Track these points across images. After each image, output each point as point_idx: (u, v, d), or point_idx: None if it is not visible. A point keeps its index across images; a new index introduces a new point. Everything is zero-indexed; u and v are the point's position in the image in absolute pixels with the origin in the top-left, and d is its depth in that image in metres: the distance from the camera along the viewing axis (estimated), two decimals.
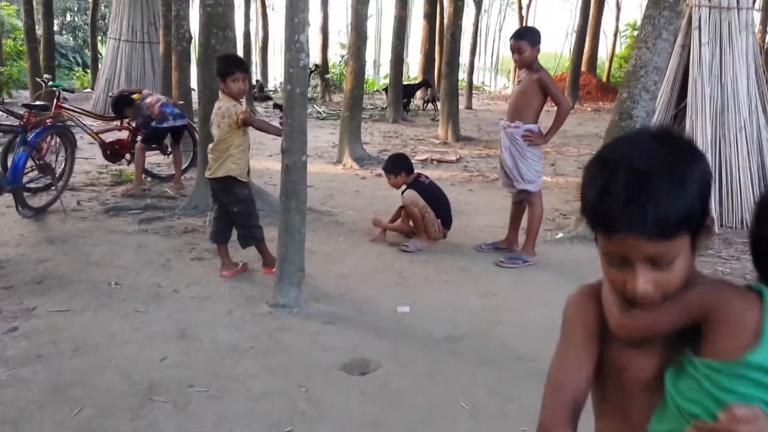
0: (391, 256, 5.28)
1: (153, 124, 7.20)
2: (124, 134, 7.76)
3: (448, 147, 11.09)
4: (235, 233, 4.73)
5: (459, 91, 12.82)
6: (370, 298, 4.35)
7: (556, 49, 46.92)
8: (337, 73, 21.65)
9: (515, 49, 4.93)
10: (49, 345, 3.57)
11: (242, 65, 4.46)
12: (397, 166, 5.62)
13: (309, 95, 19.84)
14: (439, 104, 17.52)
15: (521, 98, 4.97)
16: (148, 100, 7.30)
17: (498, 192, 7.70)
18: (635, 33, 26.99)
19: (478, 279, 4.79)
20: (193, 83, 8.90)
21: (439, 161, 9.56)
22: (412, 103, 16.87)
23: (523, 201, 5.28)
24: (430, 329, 3.90)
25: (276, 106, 14.93)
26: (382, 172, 5.75)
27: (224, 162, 4.46)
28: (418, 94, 17.90)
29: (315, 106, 16.76)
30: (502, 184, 5.36)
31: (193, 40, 9.01)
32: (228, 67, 4.38)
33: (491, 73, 43.41)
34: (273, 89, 22.04)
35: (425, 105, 17.50)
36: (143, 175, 7.75)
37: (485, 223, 6.33)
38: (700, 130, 6.14)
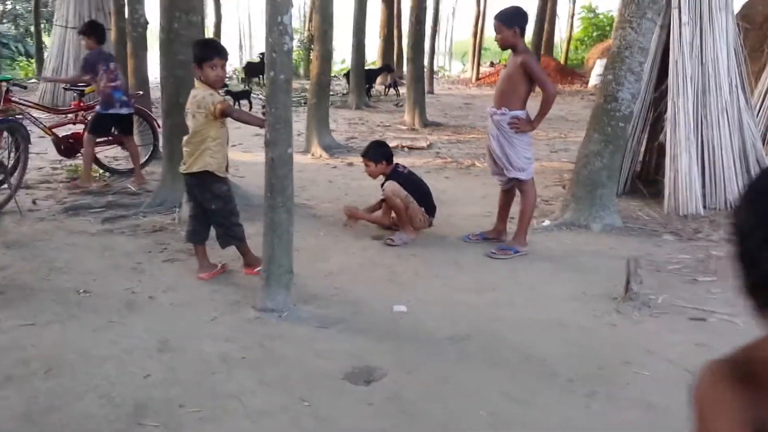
0: (376, 250, 5.03)
1: (97, 108, 6.73)
2: (79, 127, 7.28)
3: (417, 133, 10.87)
4: (212, 232, 4.42)
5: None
6: (362, 298, 4.10)
7: None
8: (295, 58, 21.18)
9: (495, 30, 4.77)
10: (17, 365, 3.21)
11: (221, 51, 4.13)
12: (379, 153, 5.37)
13: (265, 82, 19.43)
14: (401, 89, 17.33)
15: (507, 83, 4.76)
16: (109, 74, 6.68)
17: (475, 179, 7.53)
18: (590, 15, 27.26)
19: (471, 272, 4.58)
20: (152, 71, 8.50)
21: (410, 148, 9.33)
22: (373, 89, 16.58)
23: (512, 189, 5.09)
24: (431, 329, 3.67)
25: (229, 93, 14.29)
26: (362, 158, 5.46)
27: (200, 156, 4.14)
28: (379, 79, 17.61)
29: None
30: (491, 173, 5.16)
31: (148, 26, 8.56)
32: (205, 51, 4.05)
33: (446, 57, 43.28)
34: (228, 76, 21.44)
35: (387, 90, 17.24)
36: (102, 171, 7.33)
37: (469, 212, 6.13)
38: (682, 111, 6.04)
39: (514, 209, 5.14)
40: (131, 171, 7.41)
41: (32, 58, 22.26)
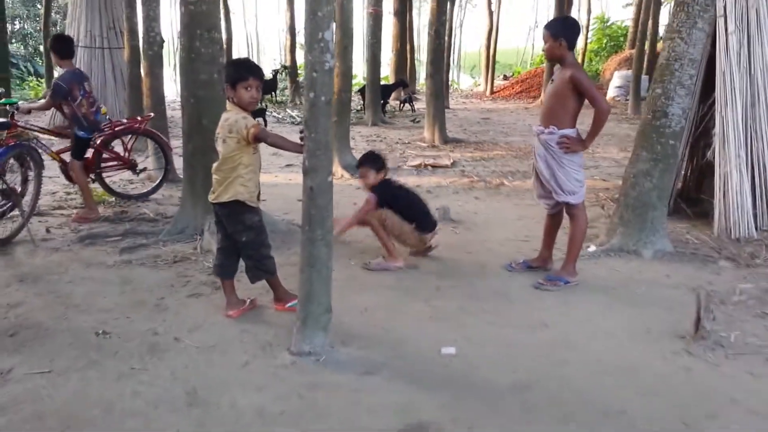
0: (413, 280, 4.68)
1: (78, 132, 6.30)
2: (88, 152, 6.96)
3: (438, 150, 10.54)
4: (241, 264, 4.09)
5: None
6: (405, 338, 3.74)
7: (518, 45, 47.04)
8: None
9: (543, 39, 4.47)
10: (33, 421, 2.89)
11: (256, 70, 3.82)
12: (380, 161, 5.14)
13: (279, 98, 19.19)
14: (415, 104, 17.05)
15: (554, 100, 4.42)
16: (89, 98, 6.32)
17: (507, 199, 7.18)
18: (602, 26, 26.95)
19: (520, 306, 4.23)
20: (167, 90, 8.23)
21: (434, 166, 9.00)
22: (388, 105, 16.30)
23: (559, 214, 4.74)
24: (487, 376, 3.31)
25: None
26: (359, 168, 5.23)
27: (231, 184, 3.82)
28: (393, 95, 17.33)
29: (287, 110, 16.07)
30: (536, 196, 4.81)
31: (165, 44, 8.30)
32: (240, 72, 3.73)
33: (455, 70, 43.06)
34: None
35: (401, 106, 16.95)
36: (113, 197, 7.02)
37: (505, 236, 5.78)
38: (731, 126, 5.68)
39: (561, 235, 4.79)
40: (146, 195, 7.11)
41: (42, 78, 22.10)
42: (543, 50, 4.56)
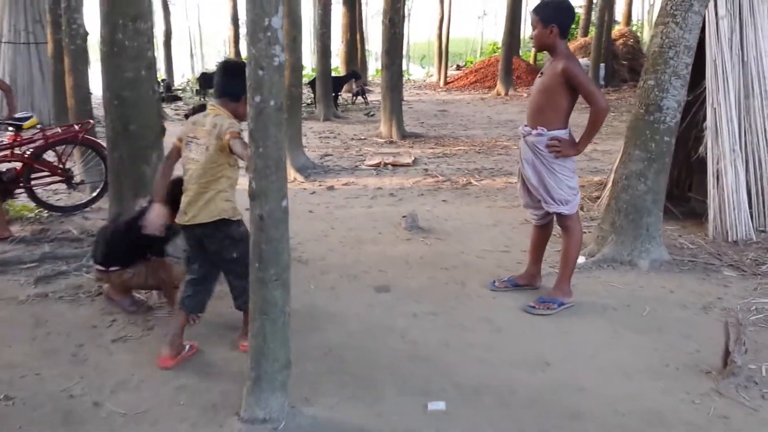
0: (384, 308, 4.02)
1: None
2: (17, 164, 6.06)
3: (397, 146, 9.88)
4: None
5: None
6: (381, 388, 3.08)
7: (467, 34, 46.61)
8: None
9: (532, 25, 3.85)
10: None
11: None
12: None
13: None
14: (368, 96, 16.34)
15: (543, 96, 3.81)
16: None
17: (477, 202, 6.57)
18: None
19: (512, 336, 3.61)
20: (95, 88, 7.33)
21: (394, 165, 8.33)
22: (340, 98, 15.54)
23: (548, 225, 4.15)
24: None
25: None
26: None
27: (212, 201, 3.20)
28: (345, 87, 16.57)
29: None
30: (522, 205, 4.20)
31: (88, 37, 7.37)
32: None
33: (406, 61, 42.40)
34: (181, 88, 20.14)
35: (354, 98, 16.22)
36: (37, 209, 6.15)
37: (481, 246, 5.16)
38: (725, 118, 5.18)
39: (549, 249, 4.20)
40: (77, 208, 6.25)
41: None
42: (530, 37, 3.95)
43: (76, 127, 6.27)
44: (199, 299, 3.45)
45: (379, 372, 3.23)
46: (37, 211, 6.15)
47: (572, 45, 21.53)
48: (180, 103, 15.82)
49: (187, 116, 3.61)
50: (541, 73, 3.87)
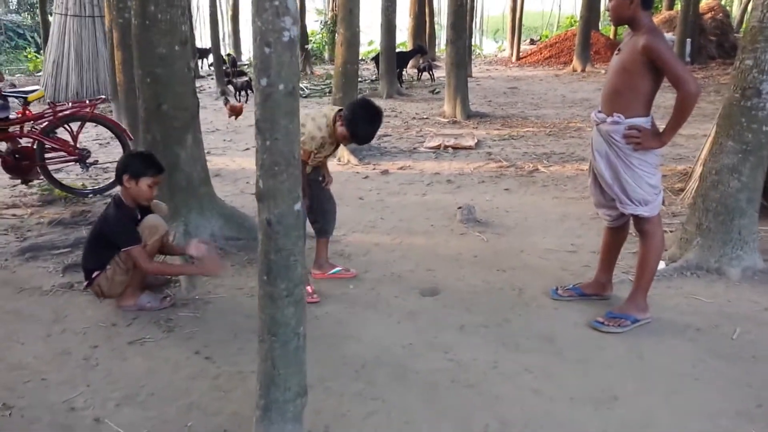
0: (429, 317, 3.56)
1: None
2: (27, 141, 5.86)
3: (460, 127, 9.31)
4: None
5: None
6: (414, 418, 2.64)
7: (543, 8, 44.85)
8: (318, 42, 19.65)
9: None
10: None
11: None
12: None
13: None
14: (435, 73, 15.74)
15: (621, 78, 3.22)
16: None
17: (544, 191, 5.99)
18: None
19: (575, 361, 3.09)
20: None
21: (455, 148, 7.80)
22: (405, 74, 15.01)
23: (624, 227, 3.58)
24: None
25: (230, 83, 12.91)
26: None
27: None
28: (411, 62, 16.01)
29: None
30: (594, 204, 3.64)
31: None
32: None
33: (478, 35, 41.20)
34: (248, 62, 20.01)
35: (420, 75, 15.64)
36: (66, 193, 5.93)
37: (545, 245, 4.61)
38: None
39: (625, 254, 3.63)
40: (102, 190, 6.02)
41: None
42: (607, 9, 3.35)
43: (88, 102, 6.04)
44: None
45: (415, 399, 2.79)
46: (80, 190, 5.97)
47: (656, 19, 20.19)
48: (245, 78, 15.61)
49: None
50: (619, 50, 3.28)
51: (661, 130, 3.20)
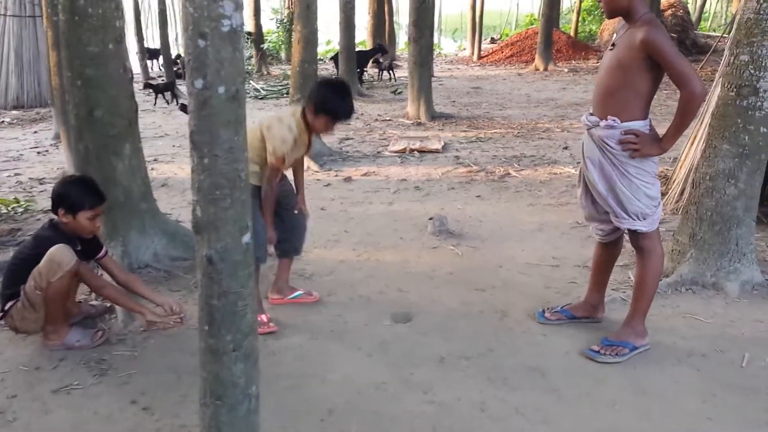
0: (403, 348, 3.15)
1: None
2: None
3: (425, 129, 8.93)
4: None
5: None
6: None
7: (501, 7, 44.87)
8: (274, 41, 19.08)
9: None
10: None
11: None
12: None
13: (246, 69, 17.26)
14: (396, 72, 15.35)
15: (616, 76, 2.85)
16: None
17: (518, 197, 5.64)
18: None
19: (571, 398, 2.71)
20: None
21: (421, 152, 7.41)
22: (366, 74, 14.60)
23: (617, 242, 3.22)
24: None
25: (149, 86, 12.32)
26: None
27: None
28: (371, 62, 15.57)
29: (251, 82, 14.32)
30: (585, 218, 3.27)
31: None
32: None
33: (437, 34, 40.98)
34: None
35: (380, 74, 15.24)
36: (11, 203, 5.40)
37: (525, 258, 4.25)
38: None
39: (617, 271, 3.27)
40: None
41: None
42: (599, 0, 2.99)
43: None
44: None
45: None
46: (12, 206, 5.39)
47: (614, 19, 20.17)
48: None
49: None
50: (613, 45, 2.92)
51: (660, 135, 2.85)
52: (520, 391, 2.75)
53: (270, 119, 3.20)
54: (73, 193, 3.05)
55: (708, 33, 22.00)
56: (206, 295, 1.80)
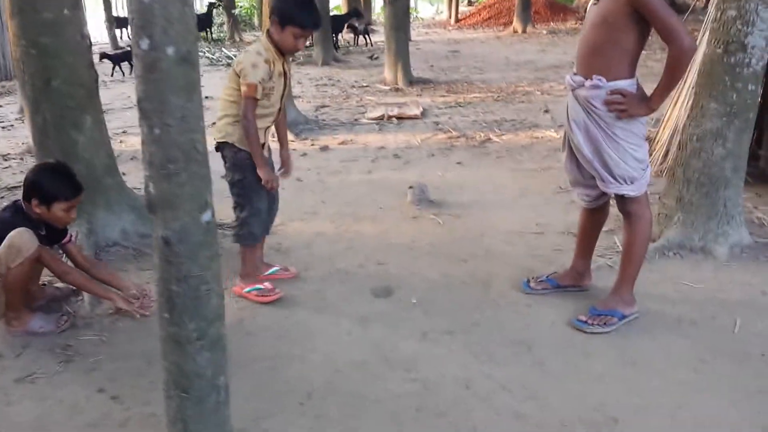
0: (383, 324, 3.02)
1: None
2: None
3: (403, 95, 8.74)
4: None
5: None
6: None
7: None
8: (246, 6, 18.60)
9: None
10: None
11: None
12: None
13: (215, 36, 16.91)
14: (372, 37, 15.06)
15: (600, 32, 2.69)
16: None
17: (498, 163, 5.51)
18: None
19: (559, 372, 2.60)
20: None
21: (400, 118, 7.23)
22: (341, 39, 14.29)
23: (603, 208, 3.10)
24: None
25: (106, 56, 11.42)
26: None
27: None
28: (346, 27, 15.24)
29: (224, 49, 13.96)
30: (570, 183, 3.14)
31: None
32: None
33: None
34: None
35: (356, 39, 14.92)
36: None
37: (508, 225, 4.13)
38: None
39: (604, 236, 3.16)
40: None
41: None
42: None
43: None
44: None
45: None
46: None
47: None
48: None
49: None
50: (595, 1, 2.76)
51: (648, 94, 2.71)
52: (506, 367, 2.65)
53: (239, 56, 3.03)
54: (47, 183, 2.85)
55: None
56: (164, 280, 1.65)
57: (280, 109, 3.19)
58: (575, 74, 2.82)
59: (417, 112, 7.34)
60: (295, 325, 3.00)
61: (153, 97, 1.48)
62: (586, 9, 11.66)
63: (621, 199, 2.86)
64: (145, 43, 1.44)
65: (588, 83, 2.73)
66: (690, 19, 11.21)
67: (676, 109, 4.88)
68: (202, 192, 1.59)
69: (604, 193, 2.95)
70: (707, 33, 4.29)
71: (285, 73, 3.09)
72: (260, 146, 3.05)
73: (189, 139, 1.53)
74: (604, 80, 2.70)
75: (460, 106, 7.91)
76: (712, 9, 4.47)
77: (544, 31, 15.86)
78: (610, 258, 3.55)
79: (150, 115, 1.50)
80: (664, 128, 5.05)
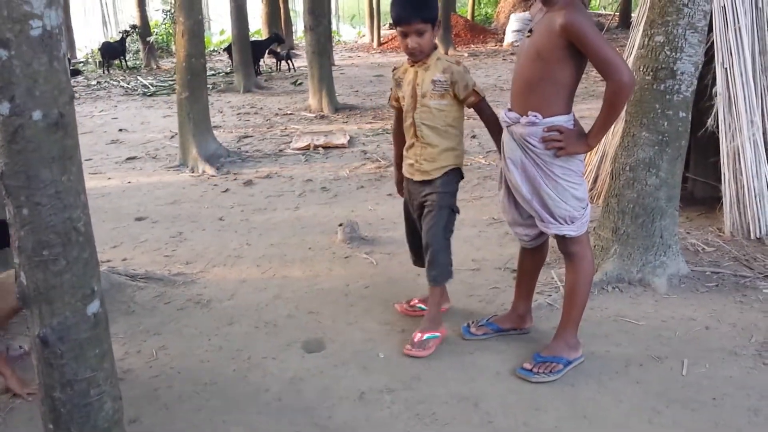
0: (316, 384, 2.77)
1: None
2: None
3: (329, 122, 8.52)
4: None
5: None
6: None
7: None
8: (162, 33, 18.02)
9: None
10: None
11: None
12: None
13: (131, 64, 16.27)
14: (295, 62, 14.82)
15: (535, 66, 2.56)
16: None
17: None
18: None
19: (508, 430, 2.42)
20: None
21: (326, 147, 7.00)
22: (263, 64, 13.99)
23: (541, 248, 2.96)
24: None
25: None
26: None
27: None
28: (267, 52, 14.93)
29: (139, 78, 13.43)
30: (509, 223, 2.98)
31: None
32: None
33: (335, 20, 40.34)
34: (83, 61, 18.04)
35: (278, 65, 14.65)
36: None
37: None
38: (739, 82, 4.09)
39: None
40: None
41: None
42: None
43: None
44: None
45: None
46: None
47: (511, 1, 20.37)
48: (80, 78, 13.91)
49: None
50: (530, 32, 2.62)
51: (586, 131, 2.59)
52: (453, 427, 2.44)
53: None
54: None
55: (598, 12, 22.64)
56: (46, 386, 1.36)
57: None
58: (510, 110, 2.68)
59: (344, 141, 7.14)
60: (216, 394, 2.71)
61: (18, 171, 1.20)
62: (504, 31, 11.98)
63: (562, 240, 2.71)
64: (5, 108, 1.17)
65: (524, 120, 2.59)
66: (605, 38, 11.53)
67: (607, 136, 4.85)
68: (87, 280, 1.32)
69: (543, 233, 2.81)
70: (632, 58, 4.30)
71: (415, 74, 2.97)
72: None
73: (66, 219, 1.25)
74: (540, 116, 2.56)
75: (387, 132, 7.76)
76: (636, 34, 4.48)
77: (466, 54, 16.02)
78: (549, 295, 3.42)
79: (16, 192, 1.22)
80: (593, 154, 5.01)
